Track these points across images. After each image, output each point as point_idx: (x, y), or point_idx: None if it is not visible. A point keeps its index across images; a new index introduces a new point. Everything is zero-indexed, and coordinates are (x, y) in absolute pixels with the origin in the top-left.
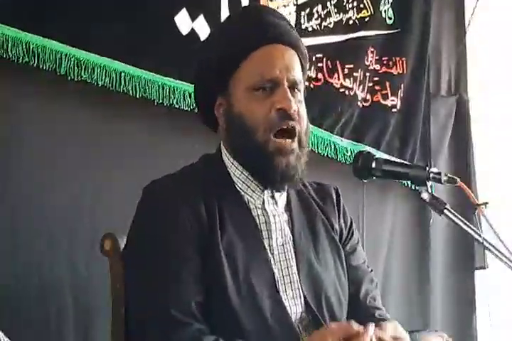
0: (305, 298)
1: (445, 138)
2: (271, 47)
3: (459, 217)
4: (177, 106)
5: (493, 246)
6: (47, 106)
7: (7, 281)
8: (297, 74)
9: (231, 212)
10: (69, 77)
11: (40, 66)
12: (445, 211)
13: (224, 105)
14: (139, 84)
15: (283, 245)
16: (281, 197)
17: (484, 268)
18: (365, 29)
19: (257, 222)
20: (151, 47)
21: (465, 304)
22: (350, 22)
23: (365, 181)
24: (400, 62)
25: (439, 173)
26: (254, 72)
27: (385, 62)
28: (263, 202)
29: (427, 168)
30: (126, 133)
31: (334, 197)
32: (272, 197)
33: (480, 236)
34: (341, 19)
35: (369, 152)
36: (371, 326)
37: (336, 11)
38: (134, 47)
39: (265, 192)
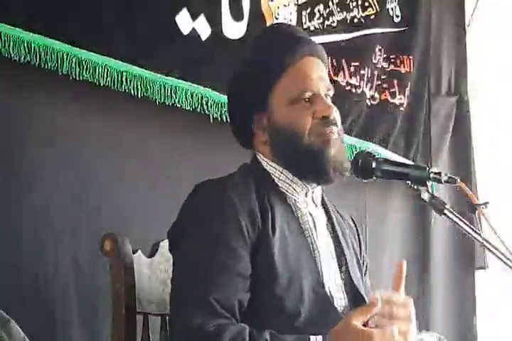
0: (347, 293)
1: (445, 138)
2: (304, 60)
3: (459, 217)
4: (179, 105)
5: (493, 246)
6: (48, 106)
7: (12, 281)
8: (328, 81)
9: (280, 212)
10: (71, 77)
11: (42, 65)
12: (445, 211)
13: (264, 120)
14: (140, 84)
15: (326, 244)
16: (319, 202)
17: (484, 268)
18: (371, 27)
19: (304, 222)
20: (153, 47)
21: (465, 304)
22: (355, 20)
23: (365, 181)
24: (408, 60)
25: (439, 173)
26: (293, 86)
27: (392, 60)
28: (307, 206)
29: (427, 168)
30: (128, 132)
31: (354, 227)
32: (313, 201)
33: (480, 236)
34: (345, 18)
35: (369, 152)
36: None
37: (338, 9)
38: (135, 46)
39: (308, 195)
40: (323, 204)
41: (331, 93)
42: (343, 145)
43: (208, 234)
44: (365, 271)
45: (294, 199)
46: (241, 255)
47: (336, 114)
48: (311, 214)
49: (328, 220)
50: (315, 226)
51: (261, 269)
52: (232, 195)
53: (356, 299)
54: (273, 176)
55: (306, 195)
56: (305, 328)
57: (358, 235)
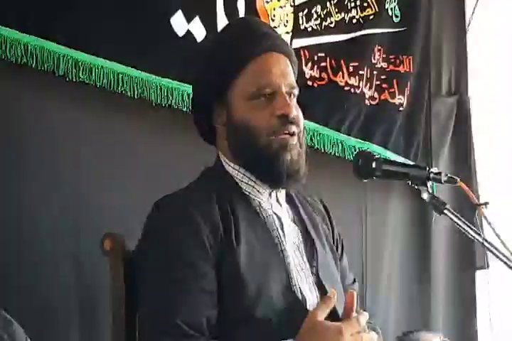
0: (323, 292)
1: (446, 138)
2: (266, 55)
3: (459, 217)
4: (175, 106)
5: (494, 247)
6: (46, 107)
7: (13, 282)
8: (292, 80)
9: (244, 217)
10: (67, 78)
11: (39, 67)
12: (445, 211)
13: (223, 115)
14: (136, 85)
15: (294, 242)
16: (283, 201)
17: (485, 268)
18: (370, 27)
19: (270, 224)
20: (148, 49)
21: (466, 304)
22: (354, 21)
23: (366, 181)
24: (407, 60)
25: (439, 173)
26: (253, 81)
27: (392, 60)
28: (271, 207)
29: (427, 168)
30: (125, 133)
31: (323, 209)
32: (277, 200)
33: (480, 236)
34: (343, 18)
35: (369, 152)
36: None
37: (336, 10)
38: (131, 48)
39: (272, 195)
40: (290, 200)
41: (296, 92)
42: (301, 150)
43: (169, 253)
44: (342, 251)
45: (259, 202)
46: (204, 271)
47: (297, 114)
48: (276, 214)
49: (296, 215)
50: (282, 227)
51: (228, 281)
52: (192, 210)
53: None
54: (235, 179)
55: (270, 195)
56: (279, 334)
57: (329, 218)
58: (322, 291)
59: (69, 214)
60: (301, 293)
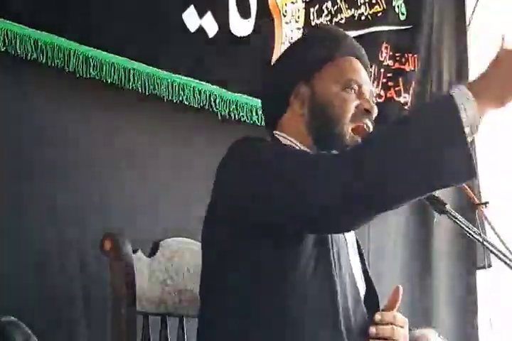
0: (368, 284)
1: None
2: (358, 62)
3: (460, 217)
4: (186, 103)
5: (494, 246)
6: (56, 104)
7: (18, 281)
8: (374, 91)
9: None
10: (77, 74)
11: (49, 63)
12: (445, 211)
13: (307, 92)
14: (148, 81)
15: (345, 239)
16: None
17: (486, 267)
18: (378, 24)
19: None
20: (160, 44)
21: (466, 304)
22: (363, 18)
23: None
24: (412, 58)
25: None
26: (347, 71)
27: (398, 58)
28: None
29: None
30: (136, 131)
31: None
32: None
33: (480, 236)
34: (353, 15)
35: None
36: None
37: (346, 6)
38: (142, 44)
39: None
40: None
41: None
42: None
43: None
44: None
45: None
46: None
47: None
48: None
49: None
50: None
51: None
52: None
53: (369, 283)
54: None
55: None
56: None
57: None
58: (367, 283)
59: (73, 214)
60: (355, 281)
